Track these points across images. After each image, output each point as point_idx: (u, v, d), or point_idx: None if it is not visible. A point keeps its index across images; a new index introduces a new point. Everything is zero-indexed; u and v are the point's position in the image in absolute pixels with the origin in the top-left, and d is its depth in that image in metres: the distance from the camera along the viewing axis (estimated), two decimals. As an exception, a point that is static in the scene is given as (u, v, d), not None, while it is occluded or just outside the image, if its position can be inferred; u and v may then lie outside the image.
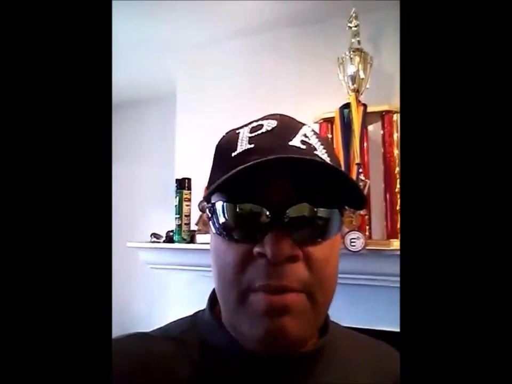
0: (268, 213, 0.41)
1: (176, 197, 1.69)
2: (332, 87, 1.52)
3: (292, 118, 0.48)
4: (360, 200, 0.45)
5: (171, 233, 1.72)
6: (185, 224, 1.67)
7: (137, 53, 2.03)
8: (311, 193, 0.41)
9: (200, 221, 1.66)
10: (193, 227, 1.69)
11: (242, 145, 0.43)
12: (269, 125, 0.44)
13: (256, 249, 0.40)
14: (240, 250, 0.41)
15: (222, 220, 0.43)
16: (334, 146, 1.45)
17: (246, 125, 0.47)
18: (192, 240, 1.66)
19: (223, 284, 0.43)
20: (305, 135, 0.44)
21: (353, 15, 1.44)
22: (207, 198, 0.45)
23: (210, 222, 0.45)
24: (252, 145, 0.42)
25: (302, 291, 0.41)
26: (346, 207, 0.48)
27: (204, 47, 1.96)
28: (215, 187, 0.41)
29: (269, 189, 0.41)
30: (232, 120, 0.48)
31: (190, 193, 1.69)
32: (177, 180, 1.72)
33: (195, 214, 1.68)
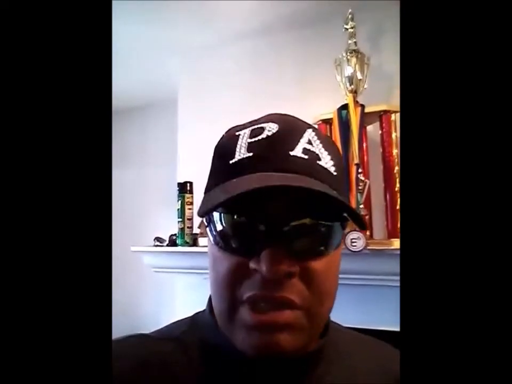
0: (265, 228, 0.40)
1: (178, 201, 1.70)
2: (330, 88, 1.53)
3: (295, 118, 0.46)
4: (360, 224, 0.43)
5: (174, 237, 1.74)
6: (188, 227, 1.69)
7: (138, 56, 2.04)
8: (310, 210, 0.41)
9: (202, 224, 1.67)
10: (196, 230, 1.70)
11: (241, 152, 0.42)
12: (270, 129, 0.42)
13: (252, 265, 0.39)
14: (235, 263, 0.41)
15: (219, 230, 0.42)
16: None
17: (246, 126, 0.45)
18: (195, 243, 1.67)
19: (216, 293, 0.43)
20: (308, 142, 0.42)
21: (349, 16, 1.45)
22: (201, 215, 0.42)
23: (207, 229, 0.45)
24: (251, 154, 0.41)
25: (297, 308, 0.40)
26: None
27: (205, 50, 1.97)
28: (211, 208, 0.40)
29: (266, 205, 0.40)
30: (233, 123, 0.48)
31: (192, 196, 1.70)
32: (179, 184, 1.72)
33: (197, 217, 1.67)
